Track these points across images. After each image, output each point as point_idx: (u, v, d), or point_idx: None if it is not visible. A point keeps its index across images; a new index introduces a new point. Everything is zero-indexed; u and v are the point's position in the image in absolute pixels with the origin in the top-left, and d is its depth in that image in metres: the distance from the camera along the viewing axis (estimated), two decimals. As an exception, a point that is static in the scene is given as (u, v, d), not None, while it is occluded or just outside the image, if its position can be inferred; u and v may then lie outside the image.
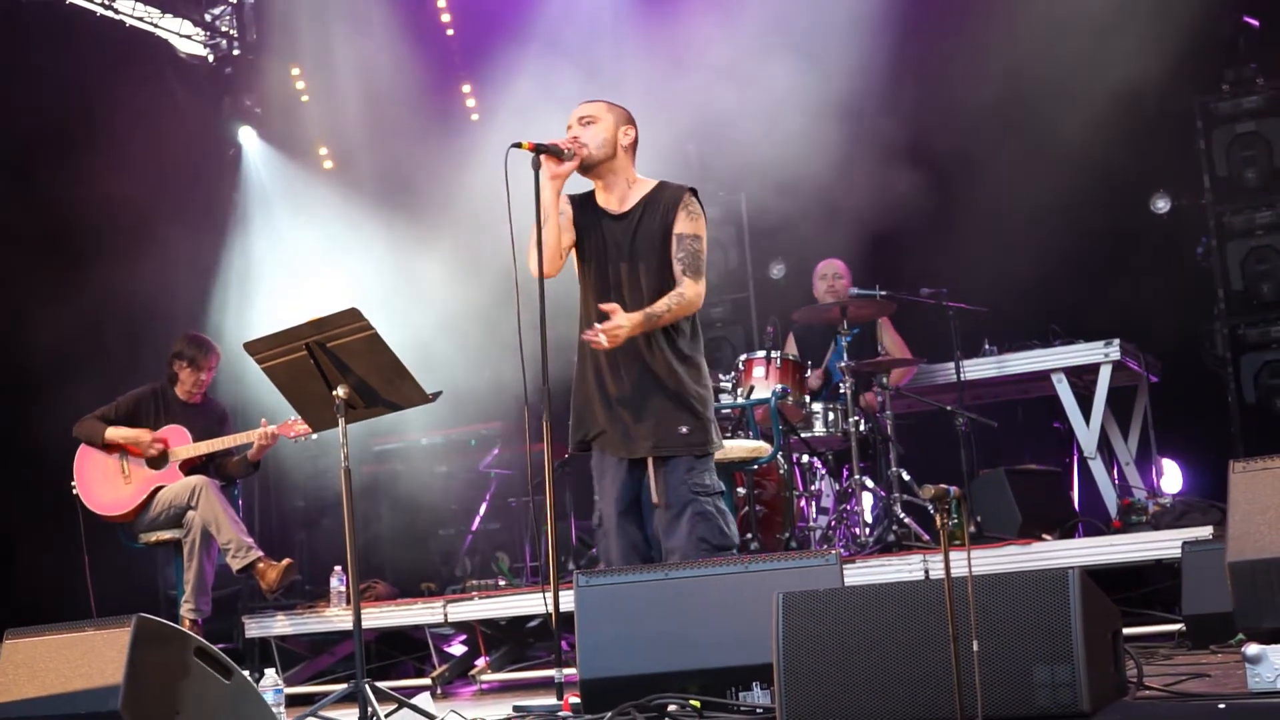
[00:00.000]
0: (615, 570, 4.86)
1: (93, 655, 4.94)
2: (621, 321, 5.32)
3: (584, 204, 5.71)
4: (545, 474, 5.35)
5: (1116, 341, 8.39)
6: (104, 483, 8.15)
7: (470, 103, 11.28)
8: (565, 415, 5.66)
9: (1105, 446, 8.76)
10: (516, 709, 5.14)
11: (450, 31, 11.32)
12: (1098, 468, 8.51)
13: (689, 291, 5.46)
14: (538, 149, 5.44)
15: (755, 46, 9.55)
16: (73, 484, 8.14)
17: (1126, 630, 4.12)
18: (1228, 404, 9.28)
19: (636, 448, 5.50)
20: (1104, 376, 8.45)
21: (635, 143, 5.70)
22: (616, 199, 5.65)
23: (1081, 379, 8.70)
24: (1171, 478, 9.22)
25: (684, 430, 5.46)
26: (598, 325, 5.34)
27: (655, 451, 5.46)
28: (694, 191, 5.65)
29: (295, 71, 11.08)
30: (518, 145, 5.40)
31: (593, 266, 5.64)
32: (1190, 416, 9.42)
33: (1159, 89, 9.04)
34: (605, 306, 5.37)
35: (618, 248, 5.58)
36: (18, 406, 8.82)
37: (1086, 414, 8.51)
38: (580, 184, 5.71)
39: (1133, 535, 7.17)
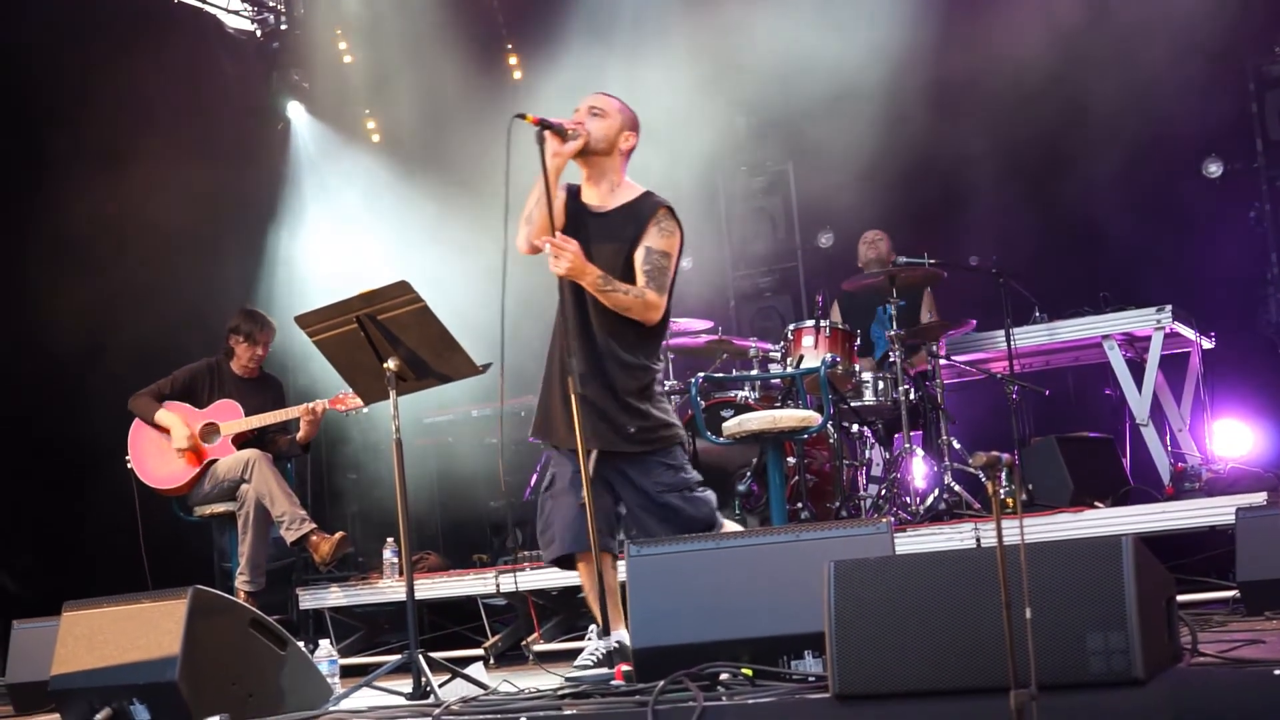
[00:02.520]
0: (666, 540, 4.86)
1: (150, 626, 4.99)
2: (574, 250, 5.29)
3: (574, 195, 5.68)
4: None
5: (1169, 308, 8.33)
6: (157, 457, 8.22)
7: (516, 75, 11.28)
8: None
9: (1158, 413, 8.70)
10: (569, 679, 5.17)
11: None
12: (1150, 435, 8.45)
13: (649, 296, 5.41)
14: (542, 124, 5.36)
15: (802, 17, 9.51)
16: (127, 458, 8.22)
17: (1180, 597, 4.10)
18: (1280, 369, 9.22)
19: (589, 443, 5.43)
20: (1156, 343, 8.39)
21: (632, 150, 5.65)
22: (599, 196, 5.62)
23: (1133, 346, 8.65)
24: (1240, 439, 9.10)
25: (631, 430, 5.50)
26: (555, 239, 5.31)
27: (603, 446, 5.48)
28: (671, 210, 5.55)
29: (343, 46, 11.11)
30: (521, 116, 5.33)
31: None
32: (1244, 382, 9.35)
33: (1211, 52, 8.95)
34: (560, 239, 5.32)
35: (588, 243, 5.48)
36: (72, 380, 8.91)
37: (1138, 381, 8.45)
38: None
39: (1186, 502, 7.12)
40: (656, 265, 5.45)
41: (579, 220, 5.59)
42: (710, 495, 5.68)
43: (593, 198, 5.64)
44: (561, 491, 5.64)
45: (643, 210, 5.53)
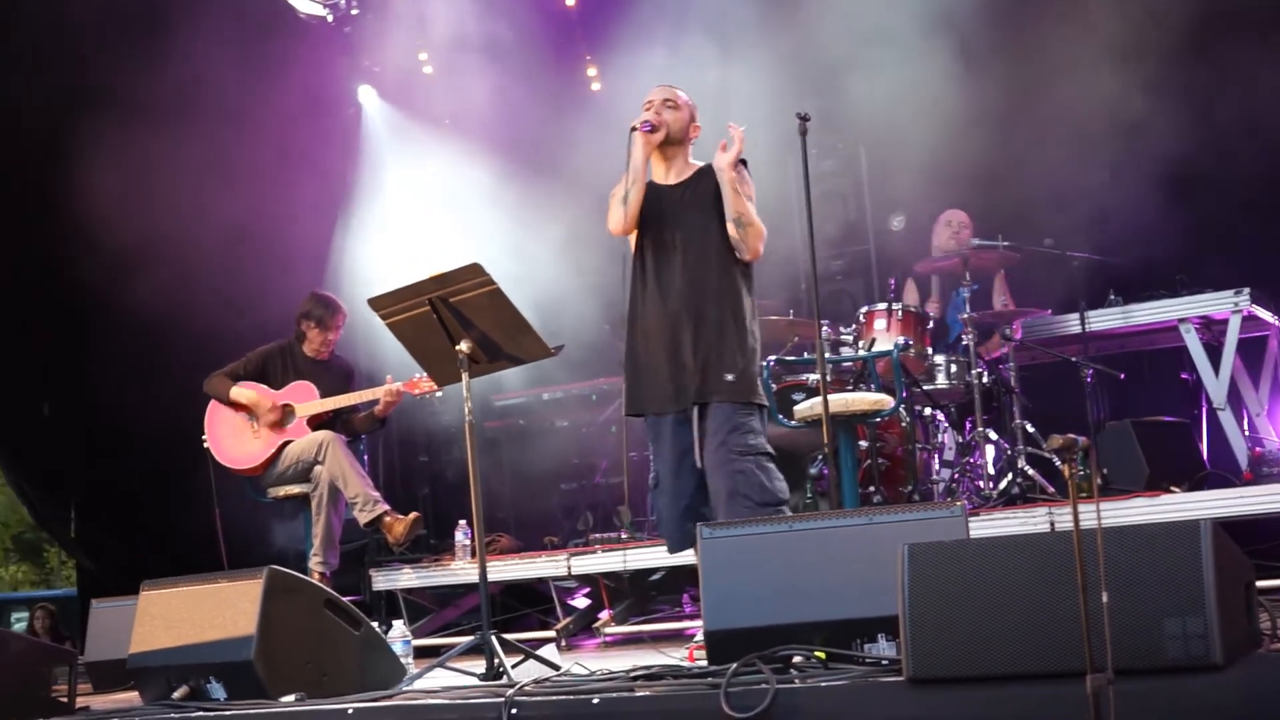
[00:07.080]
0: (739, 522, 4.86)
1: (226, 606, 5.05)
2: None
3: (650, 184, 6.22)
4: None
5: (1246, 290, 8.21)
6: (233, 437, 8.29)
7: (591, 71, 11.21)
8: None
9: (1235, 397, 8.58)
10: None
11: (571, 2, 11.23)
12: (1227, 419, 8.34)
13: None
14: (647, 126, 6.04)
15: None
16: (203, 438, 8.30)
17: (1260, 583, 4.04)
18: (1362, 352, 9.06)
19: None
20: (1233, 326, 8.27)
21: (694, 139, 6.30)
22: (673, 174, 6.22)
23: (1210, 329, 8.53)
24: None
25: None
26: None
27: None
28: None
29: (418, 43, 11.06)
30: (633, 129, 5.99)
31: (650, 231, 6.10)
32: (1322, 366, 9.20)
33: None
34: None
35: (674, 212, 6.10)
36: (149, 362, 9.00)
37: (1215, 365, 8.33)
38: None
39: (1264, 487, 7.02)
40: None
41: (654, 197, 6.11)
42: None
43: (667, 177, 6.21)
44: None
45: (708, 170, 6.10)
